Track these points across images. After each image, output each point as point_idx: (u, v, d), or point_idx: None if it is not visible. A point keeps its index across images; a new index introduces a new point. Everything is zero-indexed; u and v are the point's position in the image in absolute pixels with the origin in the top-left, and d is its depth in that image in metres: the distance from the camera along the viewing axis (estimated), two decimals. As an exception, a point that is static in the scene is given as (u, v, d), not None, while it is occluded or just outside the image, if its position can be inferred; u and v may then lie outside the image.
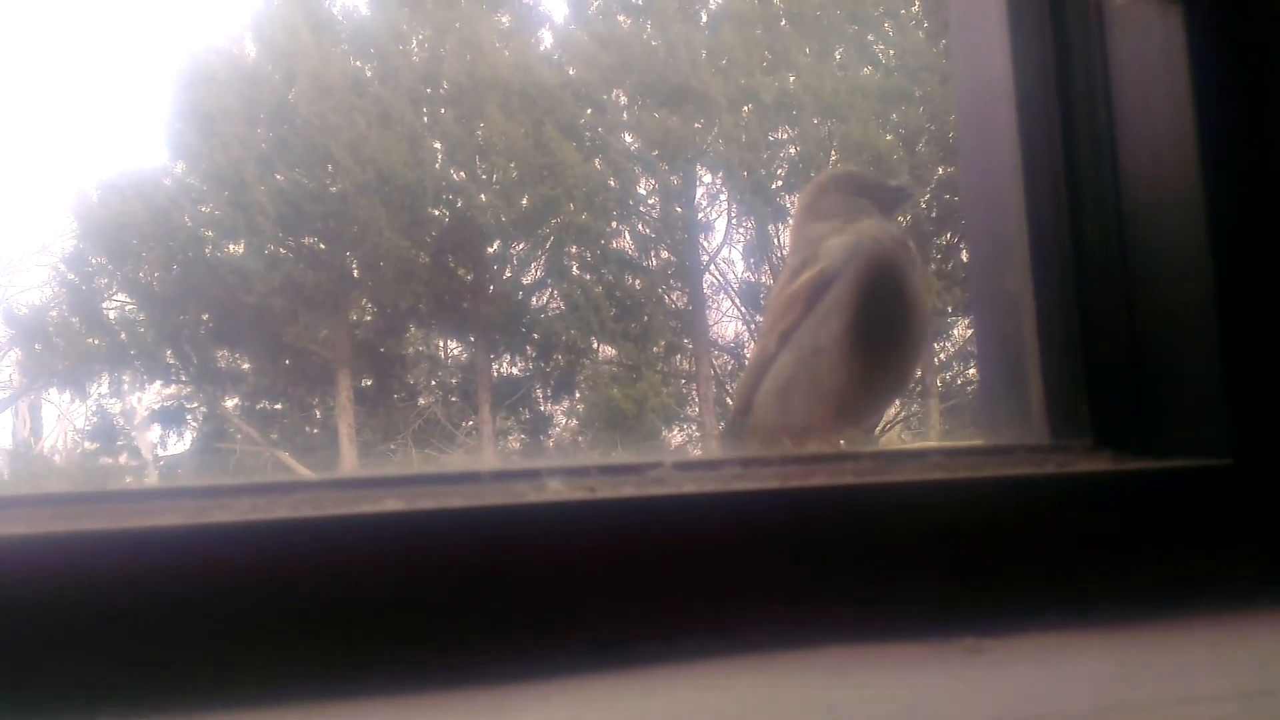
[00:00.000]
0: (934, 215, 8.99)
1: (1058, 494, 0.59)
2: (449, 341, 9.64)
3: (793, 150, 8.91)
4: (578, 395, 9.38)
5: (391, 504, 0.57)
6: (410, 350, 9.49)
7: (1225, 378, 0.64)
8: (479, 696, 0.46)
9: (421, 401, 9.37)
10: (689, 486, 0.61)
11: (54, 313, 8.92)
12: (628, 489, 0.60)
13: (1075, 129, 0.70)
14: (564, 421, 9.65)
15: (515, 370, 9.60)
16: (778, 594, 0.55)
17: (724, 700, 0.43)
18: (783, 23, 8.88)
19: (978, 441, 0.73)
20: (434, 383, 9.51)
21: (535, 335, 9.28)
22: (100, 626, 0.50)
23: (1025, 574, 0.56)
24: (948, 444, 0.68)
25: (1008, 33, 0.73)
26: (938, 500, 0.58)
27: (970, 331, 9.62)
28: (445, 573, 0.54)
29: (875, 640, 0.49)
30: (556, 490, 0.60)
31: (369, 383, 9.26)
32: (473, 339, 9.30)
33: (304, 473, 8.20)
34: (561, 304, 9.05)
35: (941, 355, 9.65)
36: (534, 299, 9.39)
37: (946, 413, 9.18)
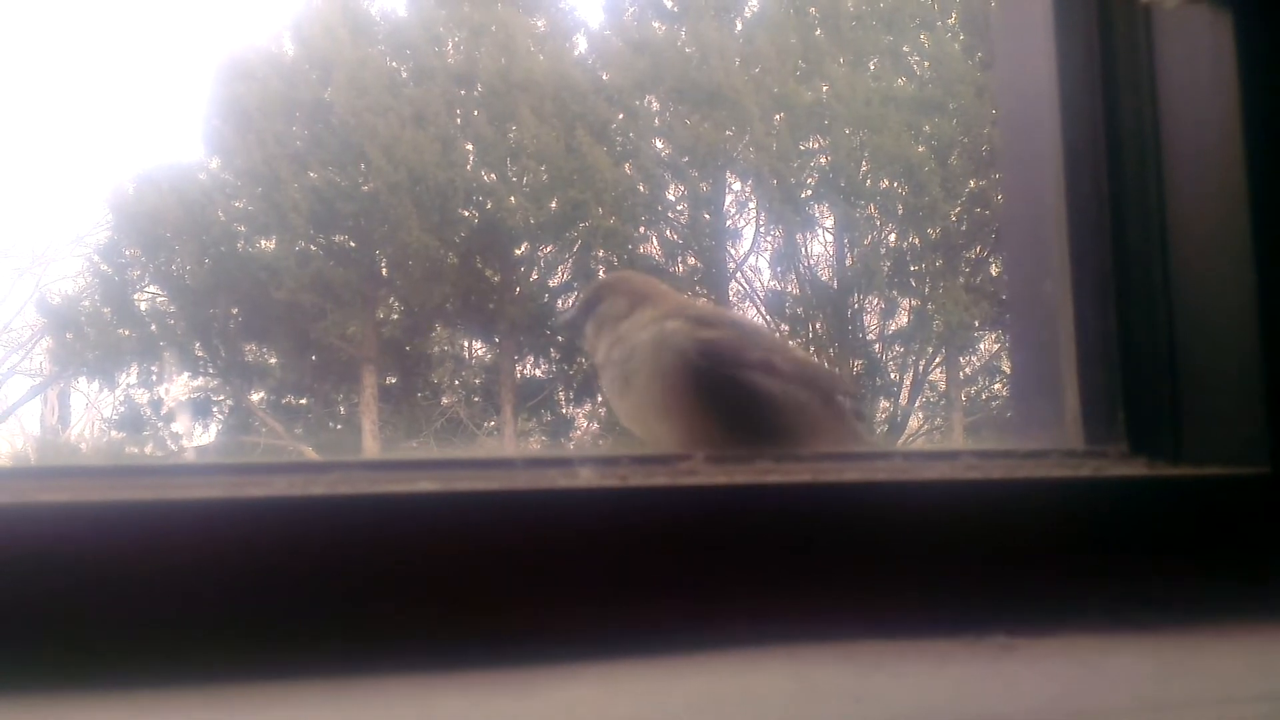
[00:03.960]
0: (964, 229, 8.93)
1: (1093, 498, 0.58)
2: (474, 342, 9.67)
3: (823, 160, 8.88)
4: (599, 399, 9.39)
5: (426, 485, 0.58)
6: (435, 349, 9.53)
7: (1265, 386, 0.63)
8: (511, 676, 0.47)
9: (445, 400, 9.40)
10: (720, 478, 0.61)
11: (86, 303, 9.04)
12: (659, 479, 0.61)
13: (1120, 134, 0.70)
14: (585, 425, 9.66)
15: (539, 372, 9.62)
16: (809, 586, 0.55)
17: (754, 687, 0.43)
18: (817, 31, 8.87)
19: (1011, 445, 0.73)
20: (458, 382, 9.54)
21: (560, 338, 9.30)
22: (138, 593, 0.51)
23: (1058, 576, 0.55)
24: (980, 446, 0.68)
25: (1053, 36, 0.73)
26: (971, 500, 0.58)
27: (996, 347, 9.54)
28: (477, 554, 0.55)
29: (907, 635, 0.49)
30: (588, 477, 0.61)
31: (394, 380, 9.31)
32: (497, 340, 9.33)
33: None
34: (588, 308, 9.05)
35: (967, 370, 9.58)
36: (560, 302, 9.41)
37: (970, 427, 9.10)
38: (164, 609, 0.51)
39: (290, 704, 0.44)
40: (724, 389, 0.83)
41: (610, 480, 0.60)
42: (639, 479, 0.60)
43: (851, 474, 0.61)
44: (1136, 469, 0.64)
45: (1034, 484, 0.60)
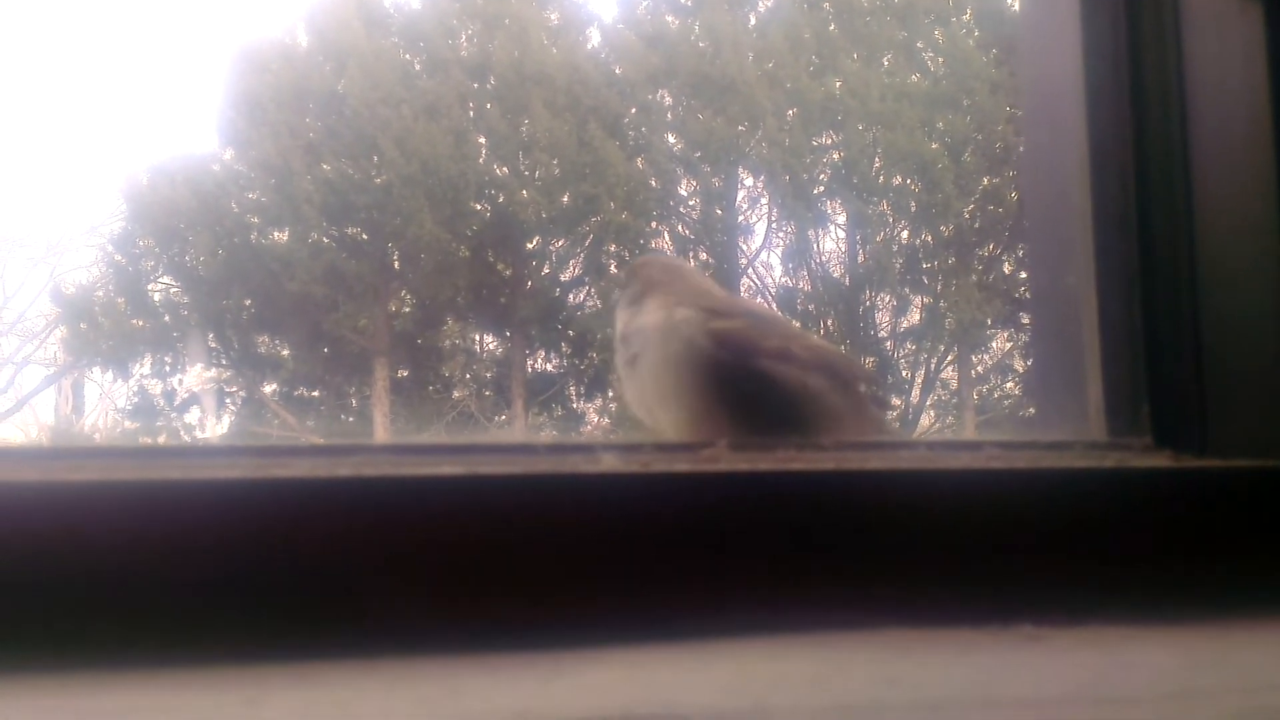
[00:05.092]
0: (977, 226, 8.90)
1: (1118, 489, 0.58)
2: (485, 335, 9.70)
3: (836, 156, 8.86)
4: (610, 394, 9.40)
5: (449, 469, 0.58)
6: (447, 342, 9.56)
7: (1292, 380, 0.62)
8: (536, 659, 0.47)
9: (456, 394, 9.43)
10: (743, 465, 0.61)
11: (100, 293, 9.10)
12: (682, 465, 0.61)
13: (1146, 125, 0.69)
14: (596, 420, 9.67)
15: (550, 366, 9.64)
16: (834, 574, 0.55)
17: (783, 670, 0.43)
18: (831, 27, 8.84)
19: (1034, 436, 0.72)
20: (469, 376, 9.57)
21: (571, 332, 9.32)
22: (162, 574, 0.51)
23: (1083, 567, 0.55)
24: (1003, 437, 0.67)
25: (1079, 26, 0.72)
26: (996, 489, 0.58)
27: (1009, 345, 9.51)
28: (501, 538, 0.55)
29: (932, 624, 0.49)
30: (610, 463, 0.61)
31: (405, 373, 9.34)
32: (509, 334, 9.35)
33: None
34: (598, 302, 9.07)
35: (979, 368, 9.56)
36: (571, 296, 9.42)
37: (982, 426, 9.08)
38: (188, 590, 0.52)
39: (315, 684, 0.45)
40: (739, 378, 0.83)
41: (633, 466, 0.60)
42: (662, 465, 0.60)
43: (875, 462, 0.61)
44: (1162, 461, 0.63)
45: (1058, 474, 0.60)
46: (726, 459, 0.62)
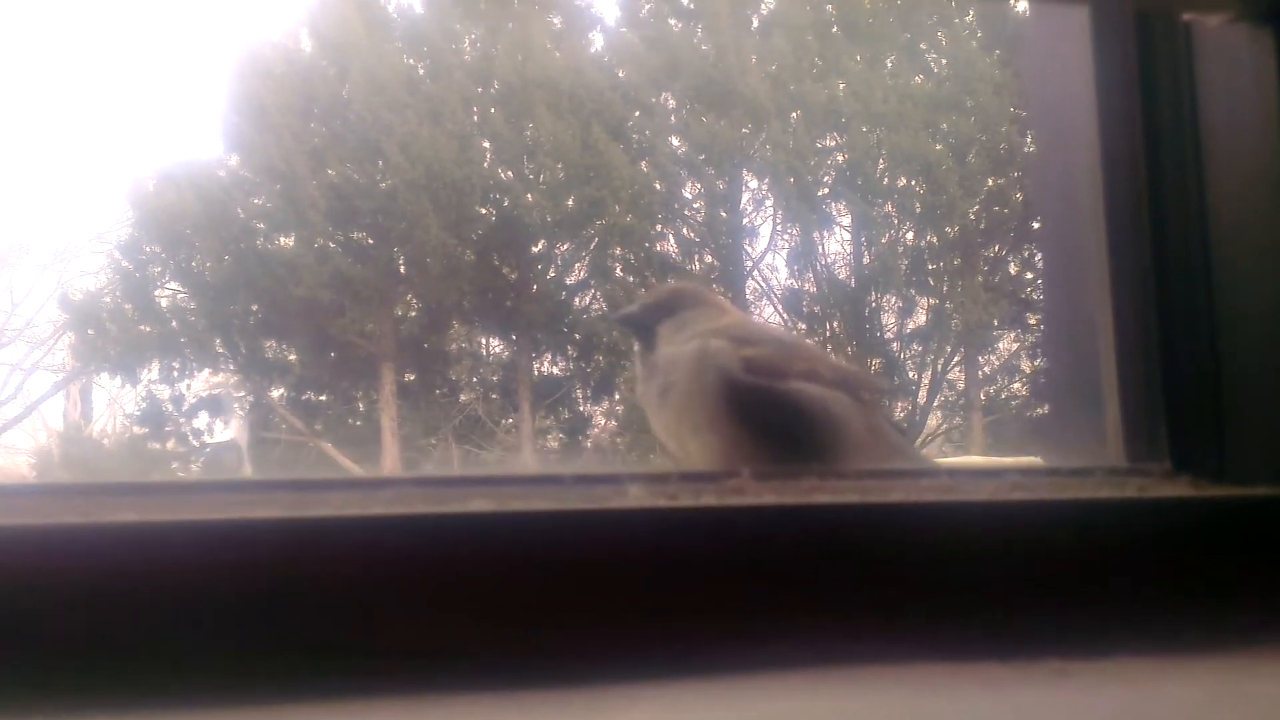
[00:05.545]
0: (982, 227, 8.90)
1: (1140, 519, 0.59)
2: (491, 339, 9.71)
3: (840, 158, 8.87)
4: (617, 397, 9.41)
5: (480, 504, 0.59)
6: (453, 347, 9.58)
7: (1311, 407, 0.63)
8: (569, 696, 0.48)
9: (463, 398, 9.44)
10: (768, 497, 0.61)
11: (108, 299, 9.13)
12: (707, 498, 0.61)
13: (1160, 151, 0.70)
14: (603, 422, 9.68)
15: (556, 370, 9.65)
16: (858, 608, 0.55)
17: (813, 708, 0.43)
18: (834, 29, 8.84)
19: (1052, 463, 0.73)
20: (475, 379, 9.58)
21: (577, 335, 9.33)
22: (197, 616, 0.52)
23: (1108, 599, 0.56)
24: (1023, 463, 0.68)
25: (1091, 54, 0.73)
26: (1019, 520, 0.59)
27: (1015, 346, 9.51)
28: (530, 573, 0.56)
29: (959, 659, 0.50)
30: (638, 496, 0.62)
31: (412, 377, 9.35)
32: (515, 337, 9.36)
33: (346, 464, 8.32)
34: (604, 305, 9.08)
35: (985, 369, 9.55)
36: (577, 299, 9.44)
37: (990, 426, 9.08)
38: (225, 630, 0.52)
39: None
40: (769, 403, 0.84)
41: (660, 499, 0.61)
42: (688, 498, 0.61)
43: (898, 494, 0.61)
44: (1181, 489, 0.64)
45: (1081, 505, 0.60)
46: (752, 490, 0.63)
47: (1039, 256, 9.14)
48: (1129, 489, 0.63)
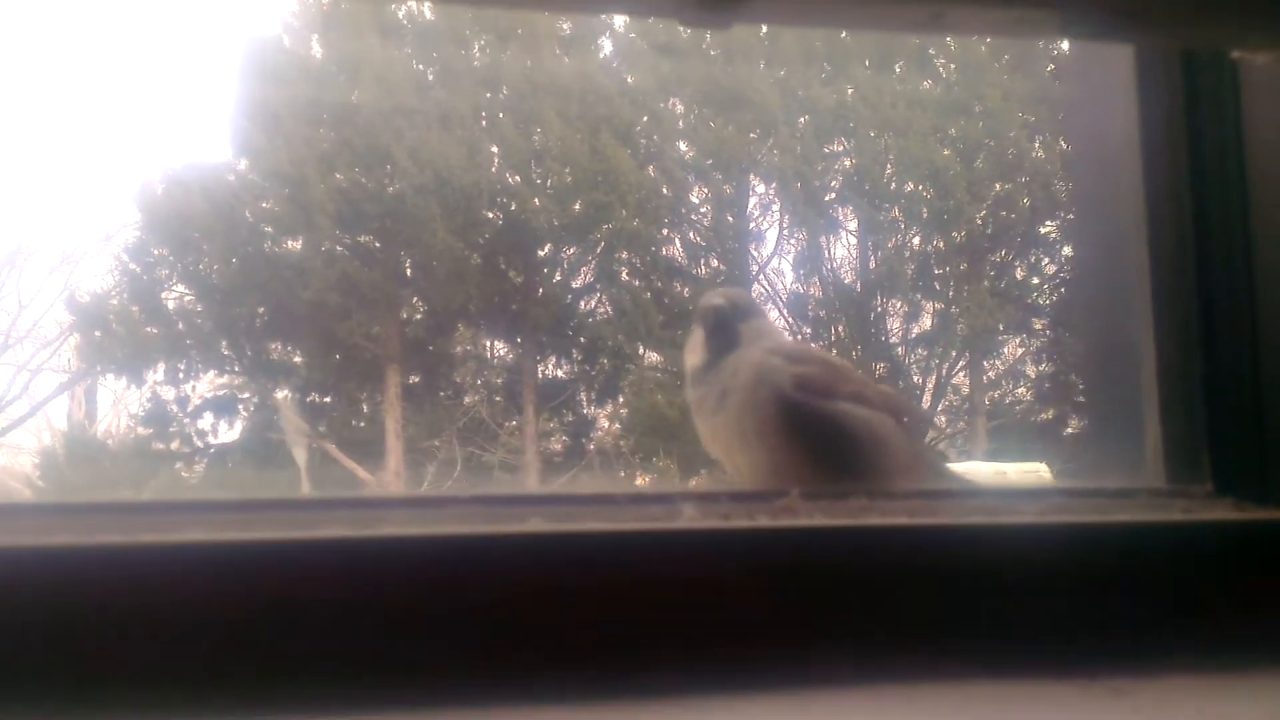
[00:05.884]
0: (989, 232, 8.90)
1: (1191, 542, 0.60)
2: (496, 342, 9.72)
3: (848, 162, 8.87)
4: (621, 400, 9.41)
5: (536, 523, 0.60)
6: (458, 349, 9.59)
7: (1354, 431, 0.64)
8: (636, 710, 0.49)
9: (467, 400, 9.45)
10: (820, 518, 0.62)
11: (115, 301, 9.14)
12: (760, 518, 0.62)
13: (1205, 184, 0.71)
14: (607, 426, 9.69)
15: (560, 373, 9.66)
16: (911, 628, 0.56)
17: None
18: (843, 34, 8.84)
19: (1096, 484, 0.74)
20: (480, 382, 9.59)
21: (582, 339, 9.34)
22: (263, 634, 0.53)
23: (1159, 619, 0.57)
24: (1068, 484, 0.69)
25: (1135, 87, 0.74)
26: (1066, 543, 0.60)
27: (1020, 351, 9.50)
28: (587, 592, 0.57)
29: (1015, 678, 0.51)
30: (691, 516, 0.63)
31: (417, 380, 9.37)
32: (520, 340, 9.37)
33: (352, 466, 8.33)
34: (609, 309, 9.10)
35: (990, 374, 9.55)
36: (582, 303, 9.45)
37: (993, 431, 9.07)
38: (294, 648, 0.53)
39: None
40: (816, 419, 0.85)
41: (713, 520, 0.62)
42: (741, 518, 0.62)
43: (947, 515, 0.62)
44: (1226, 511, 0.65)
45: (1126, 528, 0.61)
46: (802, 510, 0.64)
47: (1046, 262, 9.15)
48: (1174, 511, 0.64)
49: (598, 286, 9.31)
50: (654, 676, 0.55)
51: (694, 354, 0.96)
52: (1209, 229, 0.71)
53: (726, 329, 0.95)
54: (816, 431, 0.86)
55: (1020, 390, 9.71)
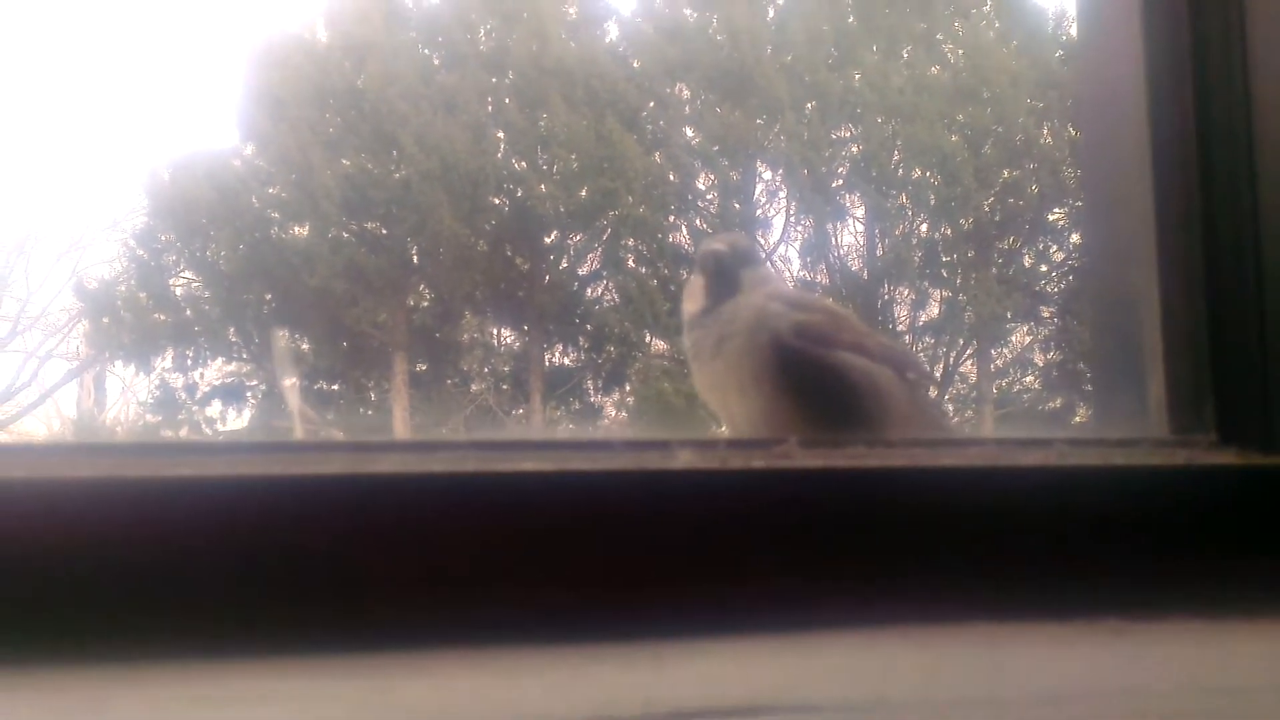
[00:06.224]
0: (997, 219, 8.87)
1: (1192, 486, 0.59)
2: (503, 329, 9.74)
3: (855, 149, 8.84)
4: (628, 388, 9.42)
5: (533, 464, 0.59)
6: (465, 337, 9.60)
7: (1361, 377, 0.63)
8: (634, 652, 0.48)
9: (474, 388, 9.47)
10: (818, 462, 0.62)
11: (123, 288, 9.18)
12: (756, 462, 0.62)
13: (1211, 119, 0.70)
14: (614, 413, 9.70)
15: (567, 360, 9.67)
16: (911, 570, 0.56)
17: (890, 665, 0.44)
18: (850, 19, 8.81)
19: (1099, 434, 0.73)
20: (487, 370, 9.61)
21: (588, 326, 9.35)
22: (258, 569, 0.53)
23: (1162, 563, 0.56)
24: (1070, 434, 0.68)
25: (1140, 19, 0.72)
26: (1070, 487, 0.59)
27: (1029, 339, 9.48)
28: (586, 533, 0.56)
29: (1019, 619, 0.50)
30: (688, 459, 0.62)
31: (424, 367, 9.39)
32: (527, 328, 9.38)
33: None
34: (616, 296, 9.10)
35: (998, 362, 9.53)
36: (589, 290, 9.45)
37: (1001, 420, 9.06)
38: (286, 584, 0.53)
39: (431, 674, 0.46)
40: (814, 368, 0.84)
41: (711, 463, 0.61)
42: (738, 462, 0.61)
43: (948, 459, 0.62)
44: (1229, 458, 0.64)
45: (1132, 472, 0.60)
46: (799, 457, 0.63)
47: (1054, 249, 9.11)
48: (1177, 458, 0.63)
49: (604, 273, 9.32)
50: (649, 618, 0.55)
51: (693, 300, 0.95)
52: (1214, 169, 0.70)
53: (727, 275, 0.94)
54: (815, 379, 0.85)
55: (1028, 379, 9.69)
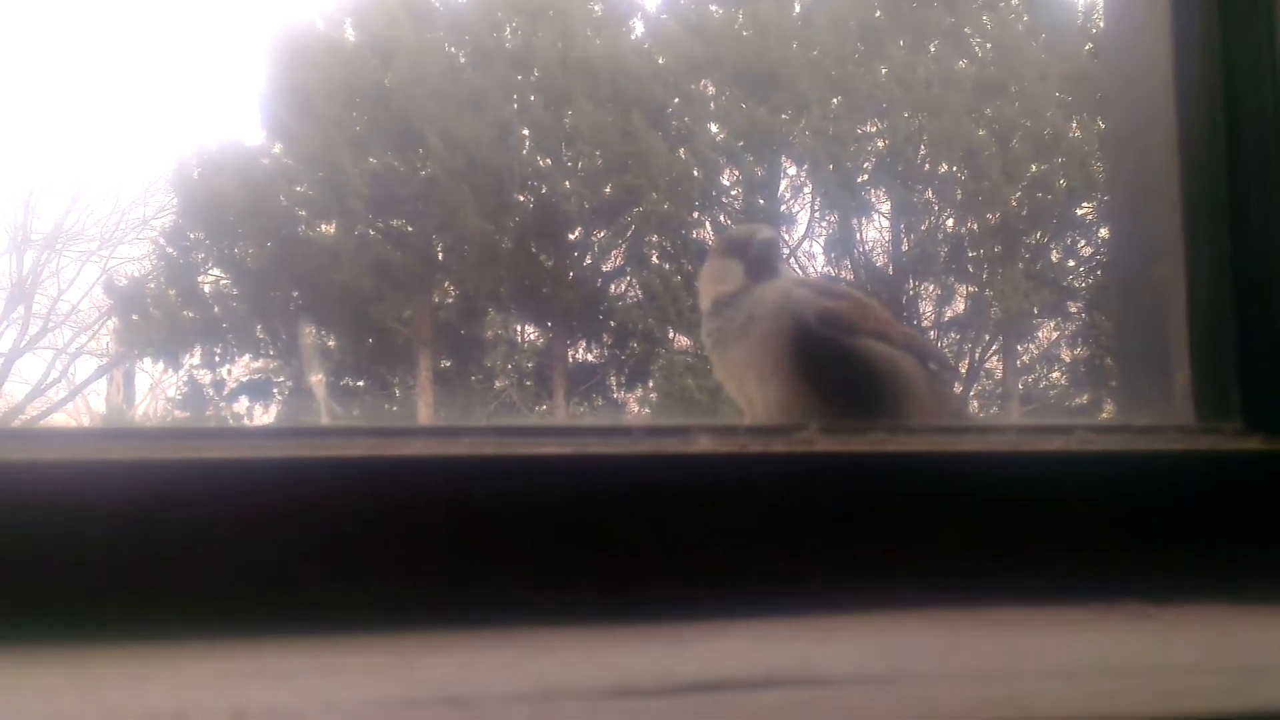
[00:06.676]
0: (1024, 214, 8.78)
1: (1217, 472, 0.58)
2: (527, 326, 9.76)
3: (881, 144, 8.78)
4: (651, 384, 9.41)
5: (554, 448, 0.60)
6: (489, 333, 9.63)
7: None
8: (654, 631, 0.49)
9: (498, 384, 9.50)
10: (839, 447, 0.62)
11: (152, 285, 9.29)
12: (777, 446, 0.62)
13: (1239, 108, 0.69)
14: (637, 410, 9.70)
15: (591, 357, 9.68)
16: (934, 553, 0.56)
17: (910, 643, 0.44)
18: (877, 13, 8.75)
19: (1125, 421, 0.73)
20: (511, 366, 9.63)
21: (612, 323, 9.35)
22: (288, 548, 0.54)
23: (1181, 549, 0.56)
24: (1096, 422, 0.68)
25: (1168, 13, 0.72)
26: (1091, 472, 0.59)
27: (1055, 335, 9.38)
28: (606, 517, 0.57)
29: (1037, 603, 0.50)
30: (706, 445, 0.62)
31: (448, 364, 9.43)
32: (550, 324, 9.40)
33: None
34: (640, 293, 9.09)
35: (1025, 358, 9.44)
36: (612, 287, 9.45)
37: (1027, 416, 8.97)
38: (311, 564, 0.54)
39: (457, 652, 0.47)
40: (838, 354, 0.85)
41: (730, 448, 0.61)
42: (758, 447, 0.62)
43: (969, 445, 0.62)
44: (1255, 444, 0.63)
45: (1154, 457, 0.60)
46: (820, 443, 0.64)
47: (1082, 244, 9.01)
48: (1202, 444, 0.63)
49: (628, 270, 9.31)
50: (669, 599, 0.55)
51: (722, 283, 0.95)
52: (1241, 154, 0.69)
53: (774, 262, 0.95)
54: (839, 365, 0.85)
55: (1055, 374, 9.59)
